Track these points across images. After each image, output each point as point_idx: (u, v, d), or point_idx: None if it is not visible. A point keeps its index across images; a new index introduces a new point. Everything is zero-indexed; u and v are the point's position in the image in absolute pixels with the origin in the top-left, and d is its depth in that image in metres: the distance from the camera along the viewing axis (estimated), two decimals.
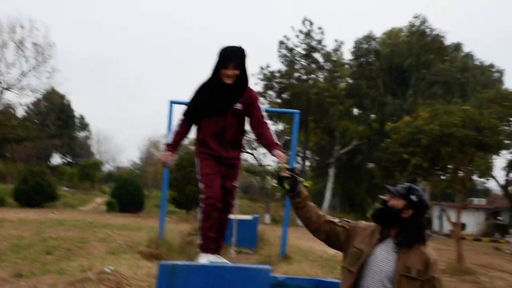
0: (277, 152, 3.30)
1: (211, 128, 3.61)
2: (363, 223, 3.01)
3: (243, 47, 3.47)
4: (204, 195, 3.53)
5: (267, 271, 2.82)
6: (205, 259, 3.45)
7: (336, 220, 3.02)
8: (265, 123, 3.60)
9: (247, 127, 3.77)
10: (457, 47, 35.84)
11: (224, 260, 3.55)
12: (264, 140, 3.53)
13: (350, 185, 40.87)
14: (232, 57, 3.41)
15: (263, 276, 2.80)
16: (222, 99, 3.54)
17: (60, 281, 7.03)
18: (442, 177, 16.57)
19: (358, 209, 39.69)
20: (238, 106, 3.58)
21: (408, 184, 2.85)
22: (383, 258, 2.72)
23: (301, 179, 3.01)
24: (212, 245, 3.59)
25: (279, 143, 3.49)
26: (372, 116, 35.34)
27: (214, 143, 3.61)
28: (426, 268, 2.66)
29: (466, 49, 36.51)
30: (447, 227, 31.49)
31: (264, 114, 3.66)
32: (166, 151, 3.67)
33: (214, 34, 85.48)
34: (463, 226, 14.57)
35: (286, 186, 2.93)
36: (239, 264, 2.83)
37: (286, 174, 2.95)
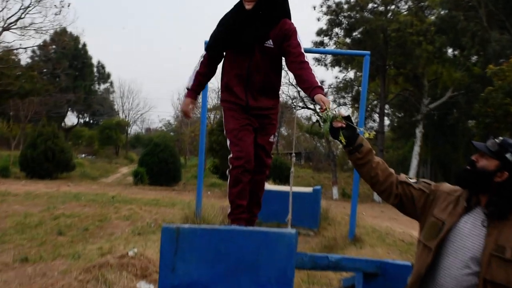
0: (319, 96, 3.24)
1: (235, 70, 3.65)
2: (447, 186, 2.99)
3: None
4: (232, 154, 3.60)
5: (291, 237, 2.81)
6: None
7: (412, 180, 3.00)
8: (305, 62, 3.56)
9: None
10: None
11: None
12: (304, 82, 3.48)
13: (443, 149, 39.97)
14: None
15: (286, 242, 2.81)
16: (243, 30, 3.54)
17: (74, 267, 7.36)
18: None
19: (454, 180, 38.93)
20: (268, 43, 3.59)
21: (502, 138, 2.74)
22: (469, 232, 2.67)
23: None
24: (244, 214, 3.65)
25: (321, 85, 3.46)
26: (473, 58, 34.04)
27: (239, 88, 3.65)
28: None
29: None
30: None
31: (303, 51, 3.62)
32: (185, 97, 3.71)
33: None
34: None
35: (342, 139, 2.89)
36: (256, 228, 3.00)
37: (340, 123, 2.90)
